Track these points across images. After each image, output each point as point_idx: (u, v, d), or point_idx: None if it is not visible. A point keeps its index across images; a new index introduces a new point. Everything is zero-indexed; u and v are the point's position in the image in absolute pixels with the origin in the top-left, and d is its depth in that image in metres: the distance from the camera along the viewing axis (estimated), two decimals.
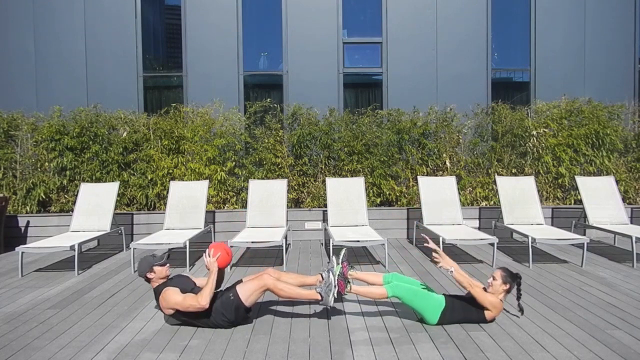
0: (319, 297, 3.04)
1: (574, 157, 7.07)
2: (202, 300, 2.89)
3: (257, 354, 2.69)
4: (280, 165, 7.12)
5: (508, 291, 3.11)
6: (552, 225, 6.67)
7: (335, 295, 3.00)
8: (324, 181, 6.97)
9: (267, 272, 3.25)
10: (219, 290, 3.16)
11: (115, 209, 5.91)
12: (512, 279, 3.11)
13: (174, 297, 2.95)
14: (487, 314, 3.07)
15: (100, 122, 7.01)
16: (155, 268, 3.10)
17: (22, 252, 4.71)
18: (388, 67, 8.23)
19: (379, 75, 8.29)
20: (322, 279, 3.13)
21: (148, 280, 3.13)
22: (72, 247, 4.66)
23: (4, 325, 3.22)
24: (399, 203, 7.05)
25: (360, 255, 5.54)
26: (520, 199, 5.86)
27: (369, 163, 7.00)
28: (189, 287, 3.12)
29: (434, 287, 4.10)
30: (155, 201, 6.90)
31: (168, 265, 3.18)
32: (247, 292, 3.03)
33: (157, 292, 3.08)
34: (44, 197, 6.66)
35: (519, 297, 3.15)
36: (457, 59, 8.20)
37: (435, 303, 3.08)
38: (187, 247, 4.90)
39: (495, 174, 6.90)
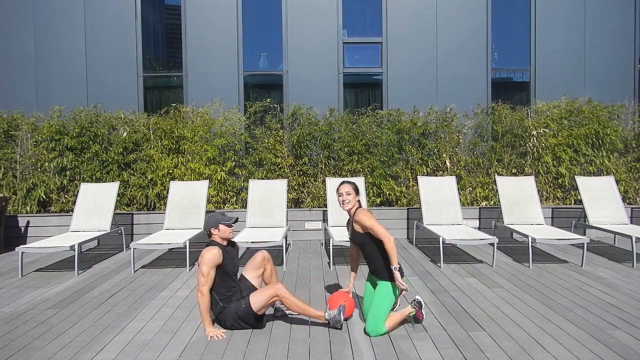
0: (326, 322, 3.07)
1: (574, 157, 7.07)
2: (199, 290, 2.95)
3: (257, 354, 2.69)
4: (280, 165, 7.12)
5: (359, 202, 3.16)
6: (552, 225, 6.67)
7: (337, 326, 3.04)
8: (324, 181, 6.97)
9: (276, 282, 3.25)
10: (234, 291, 3.14)
11: (115, 209, 5.91)
12: (352, 182, 3.17)
13: (206, 260, 2.96)
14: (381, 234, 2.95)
15: (100, 122, 7.01)
16: (221, 226, 3.13)
17: (22, 252, 4.71)
18: (388, 67, 8.23)
19: (379, 75, 8.29)
20: (326, 317, 3.06)
21: (210, 235, 3.16)
22: (72, 247, 4.66)
23: (4, 325, 3.22)
24: (399, 203, 7.05)
25: (360, 256, 5.53)
26: (520, 199, 5.86)
27: (369, 163, 7.00)
28: (230, 267, 3.12)
29: (433, 287, 4.11)
30: (155, 201, 6.90)
31: (232, 229, 3.21)
32: (259, 303, 3.00)
33: (208, 244, 3.10)
34: (44, 197, 6.66)
35: (359, 201, 3.20)
36: (457, 59, 8.20)
37: (390, 295, 2.99)
38: (187, 247, 4.90)
39: (495, 174, 6.90)
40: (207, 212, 6.41)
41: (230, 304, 3.05)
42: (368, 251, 3.08)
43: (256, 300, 3.00)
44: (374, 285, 3.16)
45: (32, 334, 3.05)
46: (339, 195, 3.16)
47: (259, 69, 8.28)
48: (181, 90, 8.17)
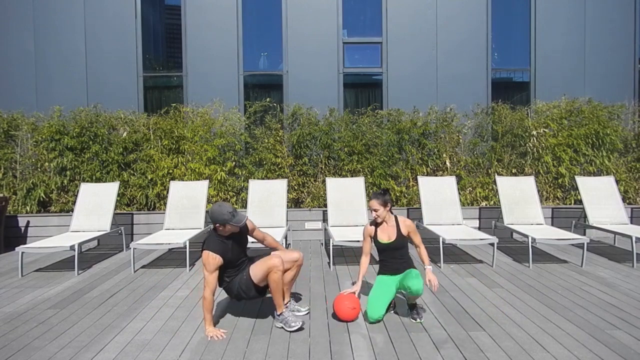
0: (278, 311, 3.11)
1: (574, 157, 7.07)
2: (204, 292, 2.98)
3: (257, 354, 2.69)
4: (280, 165, 7.12)
5: (390, 208, 3.34)
6: (552, 225, 6.67)
7: (284, 327, 3.07)
8: (324, 181, 6.97)
9: (278, 256, 3.18)
10: (242, 267, 3.19)
11: (115, 209, 5.91)
12: (384, 194, 3.29)
13: (206, 264, 2.98)
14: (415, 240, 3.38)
15: (100, 122, 7.01)
16: (229, 226, 3.06)
17: (22, 252, 4.71)
18: (388, 67, 8.22)
19: (379, 75, 8.29)
20: (284, 313, 3.11)
21: (215, 228, 3.12)
22: (72, 247, 4.66)
23: (4, 325, 3.22)
24: (399, 203, 7.05)
25: (360, 255, 5.54)
26: (520, 199, 5.86)
27: (369, 163, 7.00)
28: (236, 255, 3.13)
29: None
30: (155, 201, 6.90)
31: (238, 228, 3.13)
32: (257, 276, 3.09)
33: (208, 242, 3.06)
34: (44, 197, 6.66)
35: (391, 209, 3.38)
36: (457, 59, 8.20)
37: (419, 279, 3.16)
38: (187, 247, 4.90)
39: (495, 174, 6.91)
40: (207, 212, 6.41)
41: (238, 275, 3.14)
42: (403, 252, 3.36)
43: (255, 273, 3.09)
44: (395, 279, 3.34)
45: (32, 334, 3.05)
46: (370, 211, 3.40)
47: (259, 69, 8.28)
48: (181, 90, 8.17)
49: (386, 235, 3.36)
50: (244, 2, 8.14)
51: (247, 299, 3.19)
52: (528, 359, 2.58)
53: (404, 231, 3.33)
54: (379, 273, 3.43)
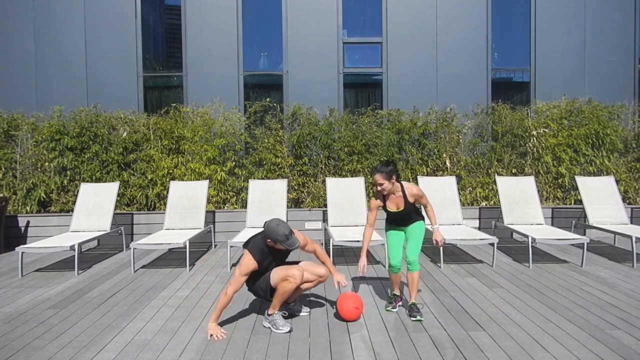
0: (270, 311, 3.14)
1: (574, 157, 7.07)
2: (226, 289, 2.99)
3: (257, 354, 2.69)
4: (280, 165, 7.12)
5: (397, 179, 3.31)
6: (552, 225, 6.67)
7: (271, 328, 3.10)
8: (324, 181, 6.97)
9: (300, 268, 3.17)
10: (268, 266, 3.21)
11: (115, 209, 5.91)
12: (388, 166, 3.25)
13: (242, 265, 3.01)
14: (423, 200, 3.46)
15: (100, 122, 7.01)
16: (278, 245, 3.04)
17: (22, 252, 4.71)
18: (388, 67, 8.22)
19: (379, 75, 8.29)
20: (274, 315, 3.12)
21: (265, 242, 3.10)
22: (72, 247, 4.66)
23: (4, 325, 3.22)
24: None
25: (360, 255, 5.54)
26: (520, 199, 5.86)
27: (369, 163, 7.00)
28: (267, 270, 3.15)
29: (433, 287, 4.11)
30: (155, 201, 6.90)
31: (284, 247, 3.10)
32: (275, 280, 3.12)
33: (252, 245, 3.09)
34: (44, 197, 6.66)
35: (397, 178, 3.34)
36: (457, 59, 8.19)
37: (424, 229, 3.45)
38: (187, 247, 4.90)
39: (495, 174, 6.91)
40: (207, 212, 6.41)
41: (262, 276, 3.17)
42: (410, 213, 3.43)
43: (273, 277, 3.13)
44: (403, 230, 3.49)
45: (32, 334, 3.05)
46: (375, 185, 3.41)
47: (259, 69, 8.28)
48: (181, 90, 8.17)
49: (394, 205, 3.39)
50: (244, 2, 8.14)
51: (262, 298, 3.21)
52: (528, 359, 2.58)
53: (411, 199, 3.38)
54: (387, 228, 3.52)
